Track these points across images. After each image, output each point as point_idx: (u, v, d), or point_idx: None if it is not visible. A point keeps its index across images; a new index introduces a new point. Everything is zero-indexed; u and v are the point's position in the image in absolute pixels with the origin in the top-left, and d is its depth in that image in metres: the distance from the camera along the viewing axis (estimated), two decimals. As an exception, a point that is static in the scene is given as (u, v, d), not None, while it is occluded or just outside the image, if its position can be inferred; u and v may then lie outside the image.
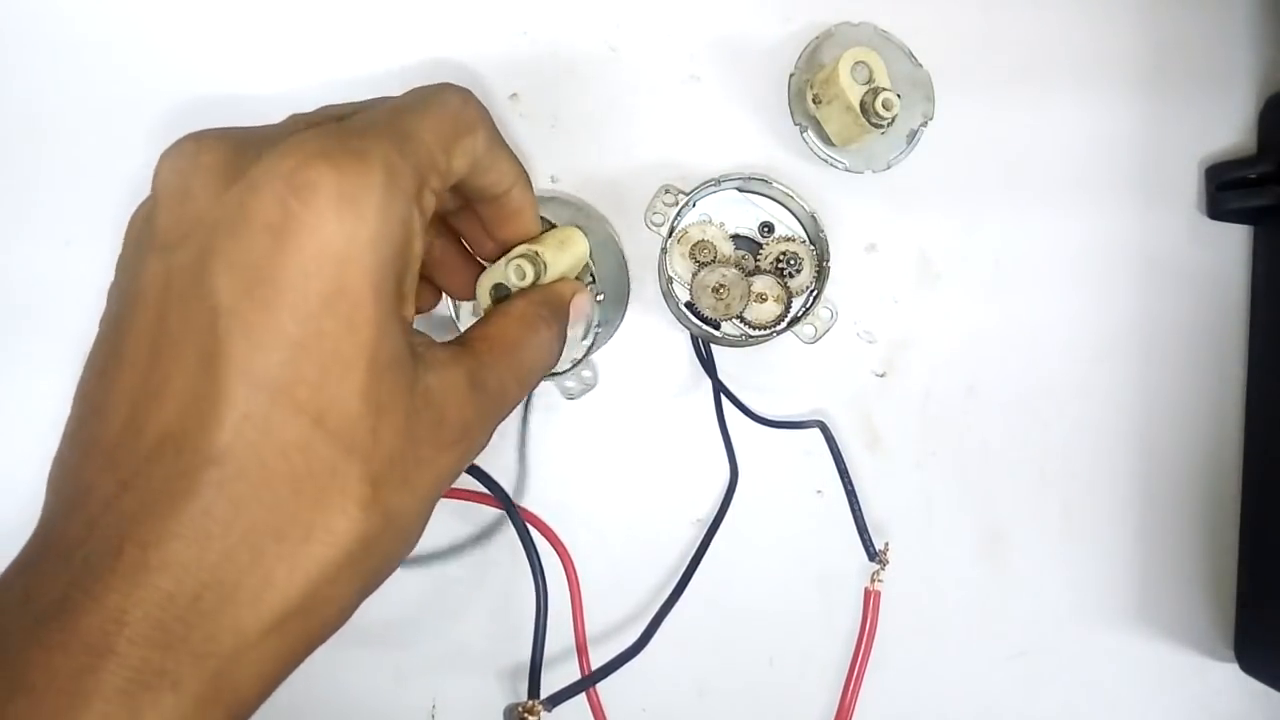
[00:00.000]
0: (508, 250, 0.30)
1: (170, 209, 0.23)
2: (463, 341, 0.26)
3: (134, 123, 0.39)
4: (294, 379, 0.20)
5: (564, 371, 0.39)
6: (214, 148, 0.23)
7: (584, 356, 0.38)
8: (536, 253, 0.30)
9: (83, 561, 0.20)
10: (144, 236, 0.23)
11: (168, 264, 0.22)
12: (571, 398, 0.40)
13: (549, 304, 0.28)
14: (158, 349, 0.21)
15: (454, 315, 0.38)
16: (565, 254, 0.32)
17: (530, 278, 0.30)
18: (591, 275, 0.36)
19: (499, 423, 0.26)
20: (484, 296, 0.33)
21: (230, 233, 0.21)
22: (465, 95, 0.26)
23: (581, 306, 0.30)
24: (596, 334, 0.38)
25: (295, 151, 0.21)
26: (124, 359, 0.22)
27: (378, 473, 0.21)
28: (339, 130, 0.22)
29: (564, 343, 0.29)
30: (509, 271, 0.30)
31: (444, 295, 0.38)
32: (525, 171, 0.28)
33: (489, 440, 0.25)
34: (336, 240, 0.20)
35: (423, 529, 0.24)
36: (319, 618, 0.21)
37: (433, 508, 0.24)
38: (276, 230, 0.20)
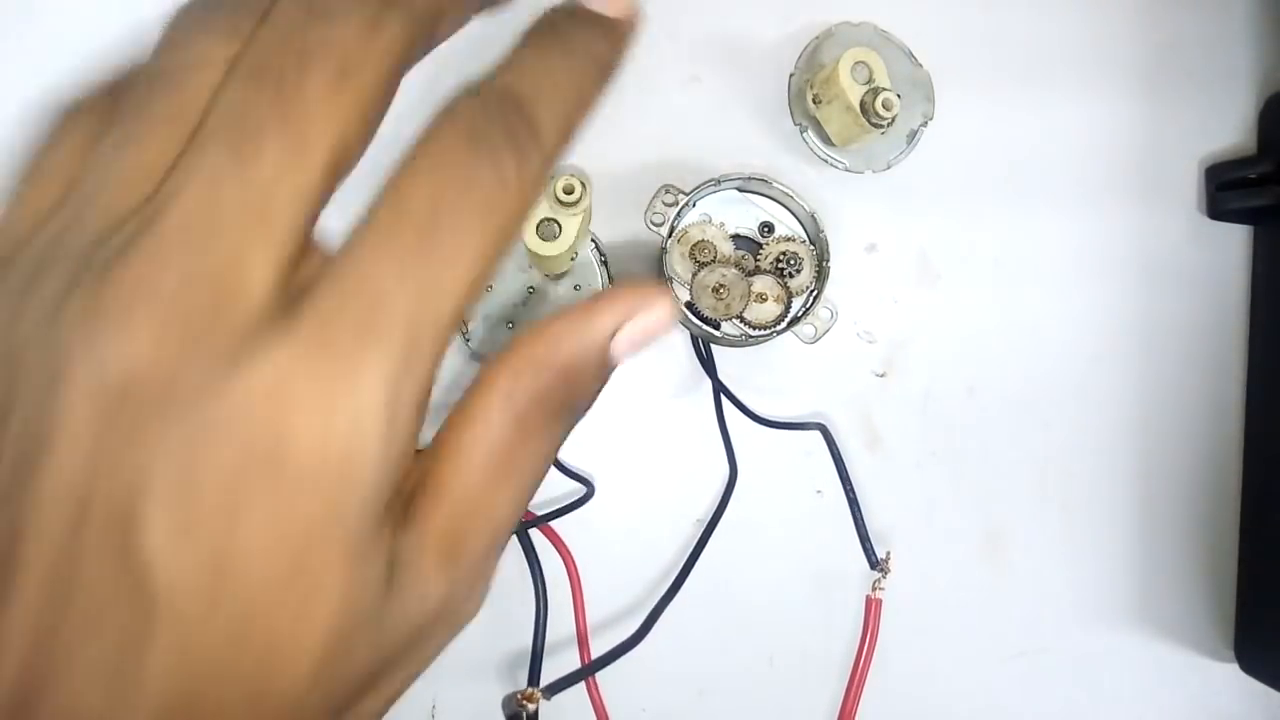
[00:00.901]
0: None
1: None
2: (425, 491, 0.18)
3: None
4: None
5: None
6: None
7: None
8: (573, 174, 0.31)
9: None
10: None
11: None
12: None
13: (534, 400, 0.18)
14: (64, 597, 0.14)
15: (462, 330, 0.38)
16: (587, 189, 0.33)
17: (577, 193, 0.31)
18: (594, 242, 0.37)
19: (485, 583, 0.21)
20: (531, 238, 0.33)
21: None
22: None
23: (649, 326, 0.19)
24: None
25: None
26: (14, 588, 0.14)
27: None
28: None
29: (565, 435, 0.19)
30: (556, 188, 0.31)
31: None
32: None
33: (477, 606, 0.21)
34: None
35: None
36: None
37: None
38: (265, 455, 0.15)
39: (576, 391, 0.19)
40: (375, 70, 0.15)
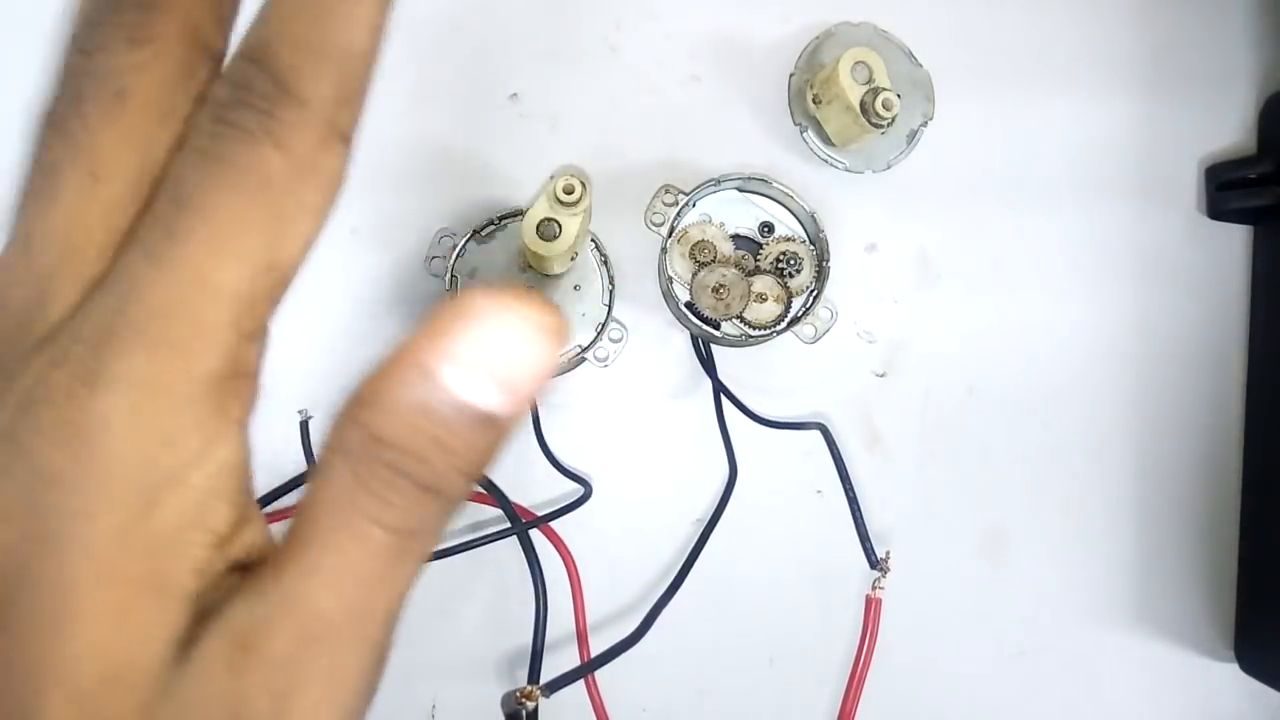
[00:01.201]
0: None
1: None
2: (251, 570, 0.15)
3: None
4: None
5: (589, 345, 0.39)
6: None
7: (605, 322, 0.39)
8: (573, 174, 0.31)
9: None
10: None
11: None
12: (607, 365, 0.40)
13: (352, 472, 0.14)
14: None
15: (448, 290, 0.38)
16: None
17: (577, 193, 0.31)
18: (594, 242, 0.37)
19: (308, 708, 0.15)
20: (532, 239, 0.33)
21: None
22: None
23: (523, 354, 0.13)
24: (610, 289, 0.39)
25: None
26: None
27: None
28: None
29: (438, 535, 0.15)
30: (556, 188, 0.30)
31: (444, 278, 0.38)
32: None
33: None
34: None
35: None
36: None
37: None
38: None
39: (408, 459, 0.14)
40: (153, 79, 0.15)
